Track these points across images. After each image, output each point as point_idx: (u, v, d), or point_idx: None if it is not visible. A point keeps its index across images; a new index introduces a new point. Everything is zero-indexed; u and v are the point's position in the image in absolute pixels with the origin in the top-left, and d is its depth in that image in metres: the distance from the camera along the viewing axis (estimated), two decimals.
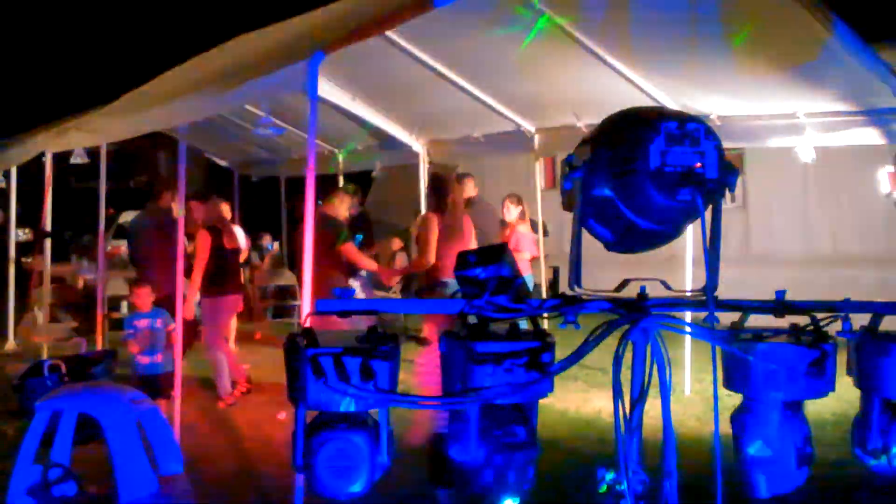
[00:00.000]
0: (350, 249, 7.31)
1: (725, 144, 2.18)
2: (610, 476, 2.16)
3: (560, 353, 2.19)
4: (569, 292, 2.17)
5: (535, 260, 9.73)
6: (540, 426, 2.20)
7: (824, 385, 2.26)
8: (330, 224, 7.26)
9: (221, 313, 8.04)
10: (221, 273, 7.88)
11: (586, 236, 2.21)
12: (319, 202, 7.12)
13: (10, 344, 10.89)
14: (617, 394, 2.16)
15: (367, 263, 7.76)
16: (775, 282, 2.56)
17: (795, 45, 6.14)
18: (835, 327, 2.27)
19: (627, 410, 2.16)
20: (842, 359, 2.33)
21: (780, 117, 7.12)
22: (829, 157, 7.93)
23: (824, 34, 5.81)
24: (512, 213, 9.31)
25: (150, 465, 4.60)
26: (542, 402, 2.24)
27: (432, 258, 6.94)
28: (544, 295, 9.33)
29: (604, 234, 2.21)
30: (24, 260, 12.47)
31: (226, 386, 7.78)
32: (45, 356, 8.30)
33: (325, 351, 2.11)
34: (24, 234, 12.66)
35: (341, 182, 11.70)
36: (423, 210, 8.39)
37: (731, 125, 7.29)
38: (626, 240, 2.22)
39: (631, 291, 2.21)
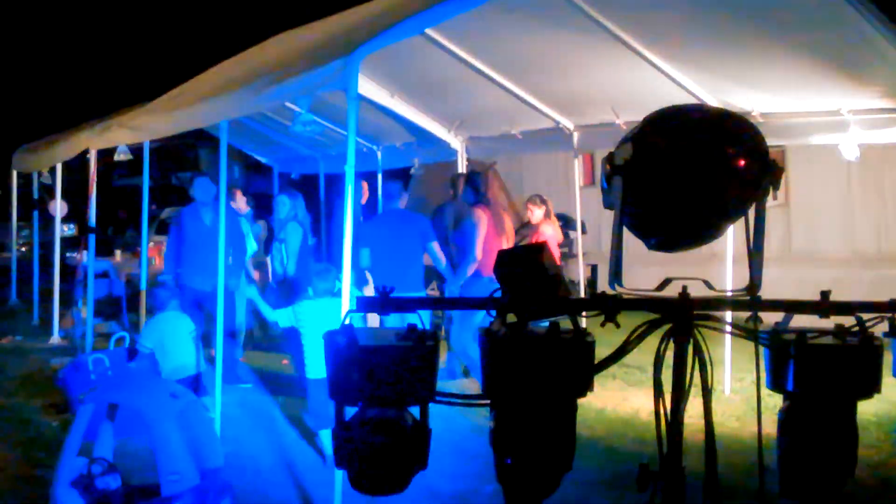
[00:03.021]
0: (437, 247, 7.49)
1: (767, 142, 2.16)
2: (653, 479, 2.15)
3: (599, 352, 2.18)
4: (609, 291, 2.16)
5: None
6: (577, 424, 2.19)
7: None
8: (420, 221, 7.42)
9: None
10: None
11: (626, 234, 2.20)
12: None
13: (55, 338, 11.08)
14: (658, 394, 2.15)
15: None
16: (817, 281, 2.53)
17: (839, 40, 6.06)
18: (881, 328, 2.23)
19: (668, 410, 2.15)
20: (887, 360, 2.30)
21: (823, 114, 7.00)
22: (873, 155, 7.81)
23: (868, 30, 5.73)
24: (536, 215, 9.30)
25: (192, 459, 4.65)
26: (580, 400, 2.23)
27: (479, 254, 6.98)
28: (581, 293, 9.31)
29: (645, 232, 2.19)
30: (69, 255, 12.68)
31: None
32: (89, 350, 8.43)
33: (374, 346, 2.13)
34: (67, 230, 12.87)
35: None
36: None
37: (773, 122, 7.20)
38: (668, 238, 2.21)
39: (671, 290, 2.19)
